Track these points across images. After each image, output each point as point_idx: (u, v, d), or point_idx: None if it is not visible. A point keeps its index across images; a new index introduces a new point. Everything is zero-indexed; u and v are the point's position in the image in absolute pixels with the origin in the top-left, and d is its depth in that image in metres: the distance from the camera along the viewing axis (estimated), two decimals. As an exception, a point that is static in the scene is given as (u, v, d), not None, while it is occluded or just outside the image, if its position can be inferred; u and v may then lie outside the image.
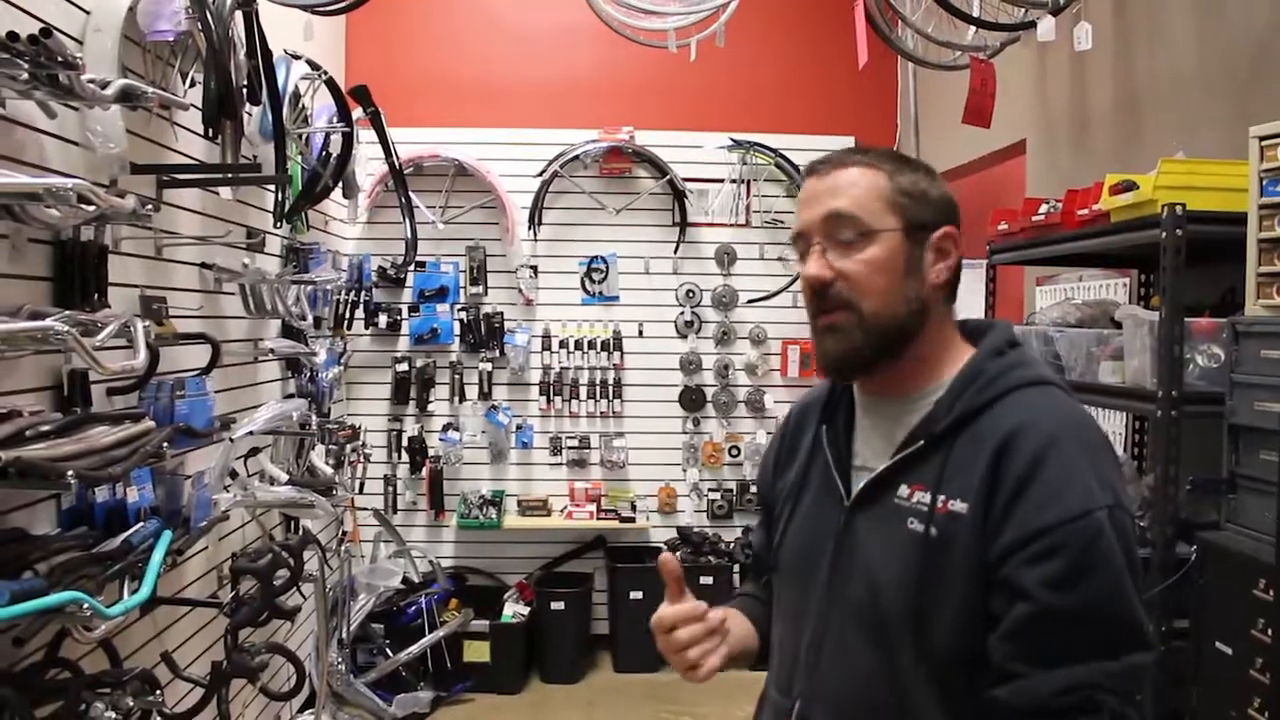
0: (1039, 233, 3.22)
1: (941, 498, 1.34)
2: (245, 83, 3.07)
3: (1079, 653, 1.25)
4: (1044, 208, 3.20)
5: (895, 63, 5.83)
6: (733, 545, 5.89)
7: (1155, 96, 3.56)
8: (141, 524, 2.46)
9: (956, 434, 1.37)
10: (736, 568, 5.74)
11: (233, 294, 3.73)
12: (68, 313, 2.16)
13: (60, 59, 1.85)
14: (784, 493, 1.61)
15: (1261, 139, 2.31)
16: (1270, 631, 1.84)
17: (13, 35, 1.78)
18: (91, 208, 1.96)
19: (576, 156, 5.82)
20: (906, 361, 1.44)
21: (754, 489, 5.65)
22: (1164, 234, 2.48)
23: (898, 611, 1.35)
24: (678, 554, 5.76)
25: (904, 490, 1.39)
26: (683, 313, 6.06)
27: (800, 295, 6.22)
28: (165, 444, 2.35)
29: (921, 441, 1.39)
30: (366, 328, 5.79)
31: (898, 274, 1.40)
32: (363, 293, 5.62)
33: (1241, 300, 2.42)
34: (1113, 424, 3.70)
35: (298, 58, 4.02)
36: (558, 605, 5.60)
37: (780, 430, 1.72)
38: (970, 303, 3.70)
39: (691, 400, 6.06)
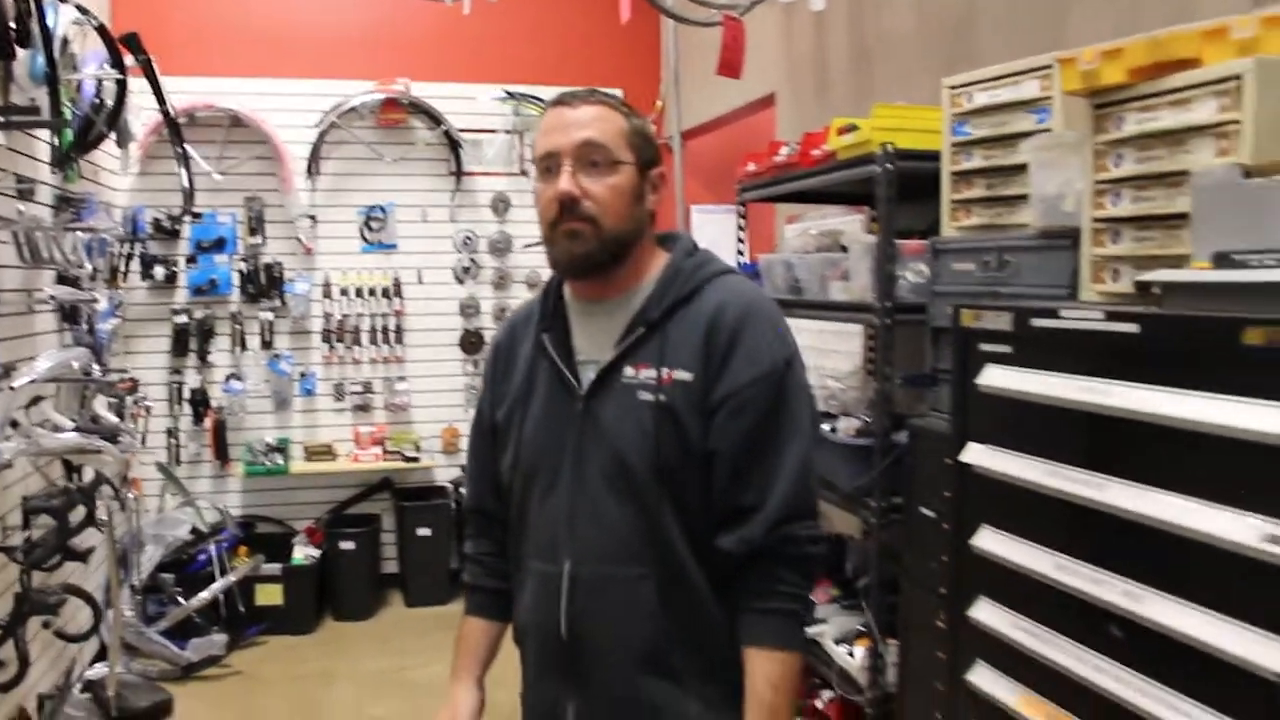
0: (780, 171, 3.60)
1: (665, 370, 1.66)
2: (15, 25, 3.08)
3: (783, 469, 1.64)
4: (785, 149, 3.57)
5: (658, 19, 6.14)
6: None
7: (881, 51, 4.01)
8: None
9: (669, 319, 1.69)
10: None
11: (5, 242, 3.70)
12: None
13: None
14: (510, 405, 1.83)
15: (951, 88, 2.73)
16: (951, 490, 2.24)
17: None
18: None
19: (353, 108, 5.91)
20: (624, 266, 1.74)
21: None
22: (879, 169, 2.89)
23: (644, 468, 1.65)
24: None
25: (630, 371, 1.69)
26: (461, 259, 6.26)
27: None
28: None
29: (642, 329, 1.70)
30: (142, 280, 5.73)
31: (629, 199, 1.70)
32: (137, 244, 5.57)
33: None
34: (851, 345, 4.15)
35: (64, 1, 3.97)
36: (347, 546, 5.77)
37: (492, 355, 1.94)
38: (724, 241, 4.06)
39: (471, 343, 6.29)
